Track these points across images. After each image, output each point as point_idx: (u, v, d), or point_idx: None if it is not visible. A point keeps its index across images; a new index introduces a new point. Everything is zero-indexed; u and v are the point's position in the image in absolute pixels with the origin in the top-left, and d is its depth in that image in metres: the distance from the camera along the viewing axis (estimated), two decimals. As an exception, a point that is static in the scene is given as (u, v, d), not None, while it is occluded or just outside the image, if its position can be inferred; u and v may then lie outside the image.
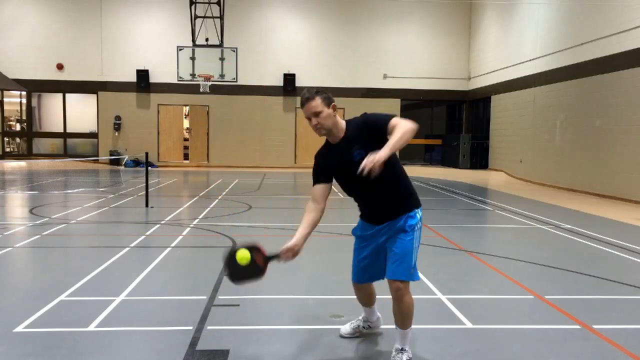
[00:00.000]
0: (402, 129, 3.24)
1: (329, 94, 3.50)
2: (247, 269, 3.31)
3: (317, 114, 3.40)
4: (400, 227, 3.50)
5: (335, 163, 3.52)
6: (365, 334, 4.06)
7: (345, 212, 10.84)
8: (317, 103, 3.40)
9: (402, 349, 3.59)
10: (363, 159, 3.10)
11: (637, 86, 12.98)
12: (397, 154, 3.44)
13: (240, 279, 3.42)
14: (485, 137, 23.03)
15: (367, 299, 3.95)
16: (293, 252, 3.38)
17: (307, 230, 3.45)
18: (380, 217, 3.57)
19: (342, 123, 3.53)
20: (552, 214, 10.66)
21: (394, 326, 4.35)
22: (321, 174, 3.56)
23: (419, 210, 3.60)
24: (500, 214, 10.80)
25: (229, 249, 3.37)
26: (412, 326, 4.35)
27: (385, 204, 3.53)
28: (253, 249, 3.34)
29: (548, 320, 4.50)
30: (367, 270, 3.72)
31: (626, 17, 13.45)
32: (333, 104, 3.47)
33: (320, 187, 3.55)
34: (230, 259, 3.32)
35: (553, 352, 3.84)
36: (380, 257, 3.64)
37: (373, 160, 3.05)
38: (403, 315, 3.54)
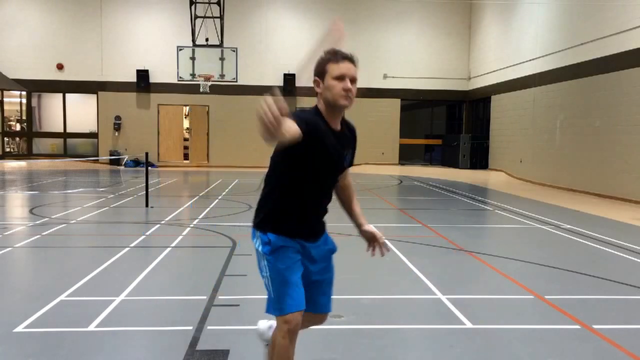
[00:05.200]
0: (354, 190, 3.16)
1: None
2: None
3: (354, 81, 2.73)
4: (333, 250, 3.07)
5: (326, 145, 2.72)
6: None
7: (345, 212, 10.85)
8: (357, 72, 2.76)
9: None
10: (346, 165, 2.92)
11: (637, 86, 12.98)
12: None
13: None
14: (485, 137, 23.02)
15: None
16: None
17: None
18: (320, 229, 3.00)
19: None
20: (552, 214, 10.66)
21: (394, 325, 4.35)
22: (305, 132, 2.57)
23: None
24: (500, 214, 10.79)
25: None
26: (411, 326, 4.36)
27: (324, 213, 3.01)
28: None
29: (548, 320, 4.50)
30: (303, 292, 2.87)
31: (626, 17, 13.45)
32: None
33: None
34: None
35: (553, 352, 3.84)
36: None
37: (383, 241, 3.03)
38: None
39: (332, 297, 3.07)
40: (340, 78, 2.69)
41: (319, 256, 2.96)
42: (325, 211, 2.98)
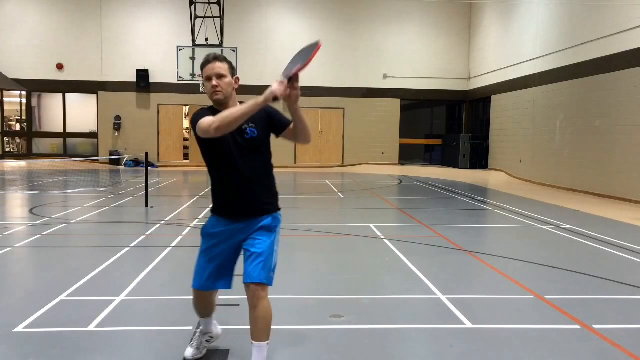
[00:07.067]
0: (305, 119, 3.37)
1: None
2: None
3: (220, 76, 3.26)
4: (265, 225, 3.29)
5: None
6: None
7: (345, 212, 10.85)
8: (224, 67, 3.30)
9: None
10: (253, 138, 3.26)
11: (637, 86, 12.98)
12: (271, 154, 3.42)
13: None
14: (485, 137, 23.03)
15: (208, 309, 3.62)
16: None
17: None
18: (243, 209, 3.29)
19: (237, 100, 3.41)
20: (552, 214, 10.66)
21: (394, 325, 4.35)
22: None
23: (280, 212, 3.42)
24: (500, 214, 10.79)
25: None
26: (411, 326, 4.35)
27: (254, 192, 3.29)
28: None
29: (548, 320, 4.50)
30: (215, 274, 3.39)
31: (626, 17, 13.45)
32: (237, 77, 3.41)
33: None
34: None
35: (553, 352, 3.84)
36: (231, 260, 3.44)
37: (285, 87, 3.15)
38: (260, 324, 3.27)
39: (266, 270, 3.31)
40: (208, 80, 3.27)
41: (242, 232, 3.39)
42: (247, 188, 3.35)
